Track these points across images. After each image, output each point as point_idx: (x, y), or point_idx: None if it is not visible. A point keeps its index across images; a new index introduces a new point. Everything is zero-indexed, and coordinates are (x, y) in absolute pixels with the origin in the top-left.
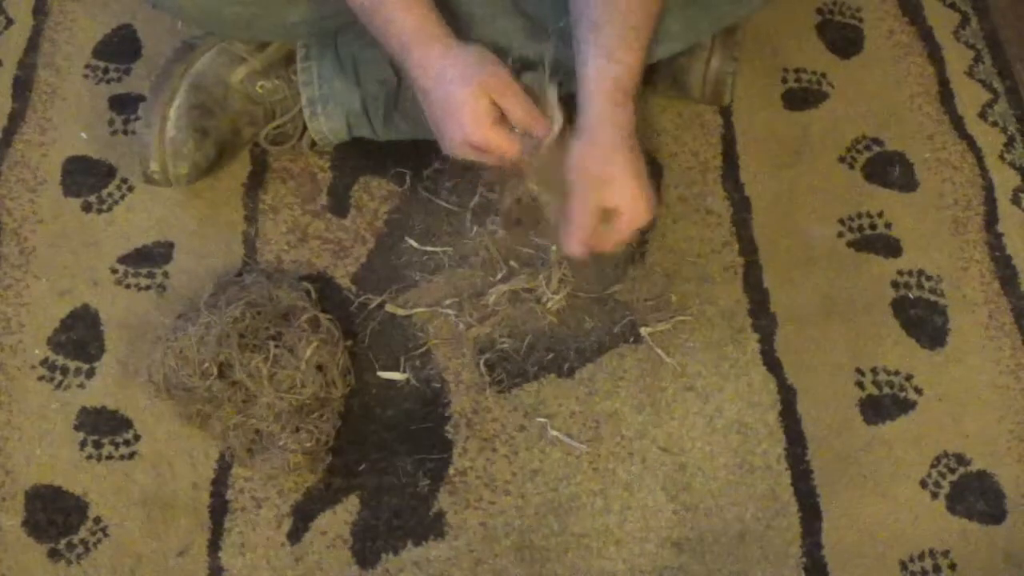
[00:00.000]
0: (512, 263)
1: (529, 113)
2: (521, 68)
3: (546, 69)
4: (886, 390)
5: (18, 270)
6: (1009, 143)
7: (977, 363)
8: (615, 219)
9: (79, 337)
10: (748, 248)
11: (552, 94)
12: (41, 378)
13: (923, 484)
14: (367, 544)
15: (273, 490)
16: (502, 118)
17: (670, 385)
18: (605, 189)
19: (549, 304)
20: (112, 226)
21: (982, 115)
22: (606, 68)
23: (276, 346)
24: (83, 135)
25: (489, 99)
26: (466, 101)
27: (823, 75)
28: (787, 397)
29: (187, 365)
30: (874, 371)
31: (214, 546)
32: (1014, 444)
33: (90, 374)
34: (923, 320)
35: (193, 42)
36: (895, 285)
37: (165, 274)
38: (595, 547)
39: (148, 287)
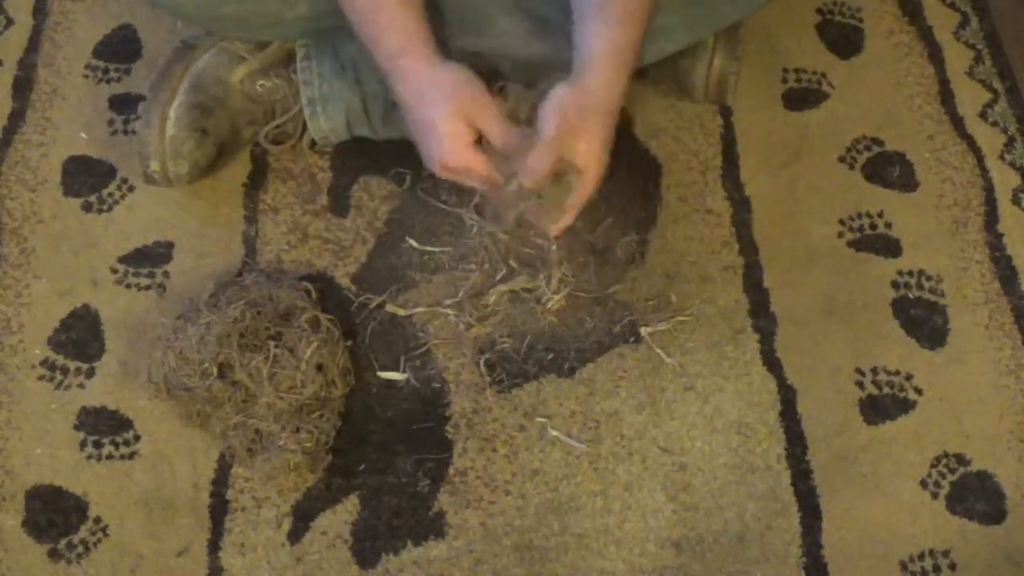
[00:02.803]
0: (512, 263)
1: (506, 133)
2: (505, 84)
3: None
4: (886, 390)
5: (18, 270)
6: (1009, 143)
7: (977, 363)
8: (574, 181)
9: (79, 337)
10: (748, 248)
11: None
12: (41, 378)
13: (923, 484)
14: (367, 544)
15: (273, 490)
16: (480, 140)
17: (670, 385)
18: (575, 142)
19: (549, 304)
20: (112, 226)
21: (982, 115)
22: (610, 35)
23: (276, 346)
24: (83, 135)
25: (465, 121)
26: (442, 123)
27: (823, 75)
28: (787, 397)
29: (187, 365)
30: (874, 371)
31: (214, 546)
32: (1014, 444)
33: (90, 374)
34: (923, 320)
35: (193, 42)
36: (895, 285)
37: (165, 274)
38: (595, 547)
39: (148, 287)
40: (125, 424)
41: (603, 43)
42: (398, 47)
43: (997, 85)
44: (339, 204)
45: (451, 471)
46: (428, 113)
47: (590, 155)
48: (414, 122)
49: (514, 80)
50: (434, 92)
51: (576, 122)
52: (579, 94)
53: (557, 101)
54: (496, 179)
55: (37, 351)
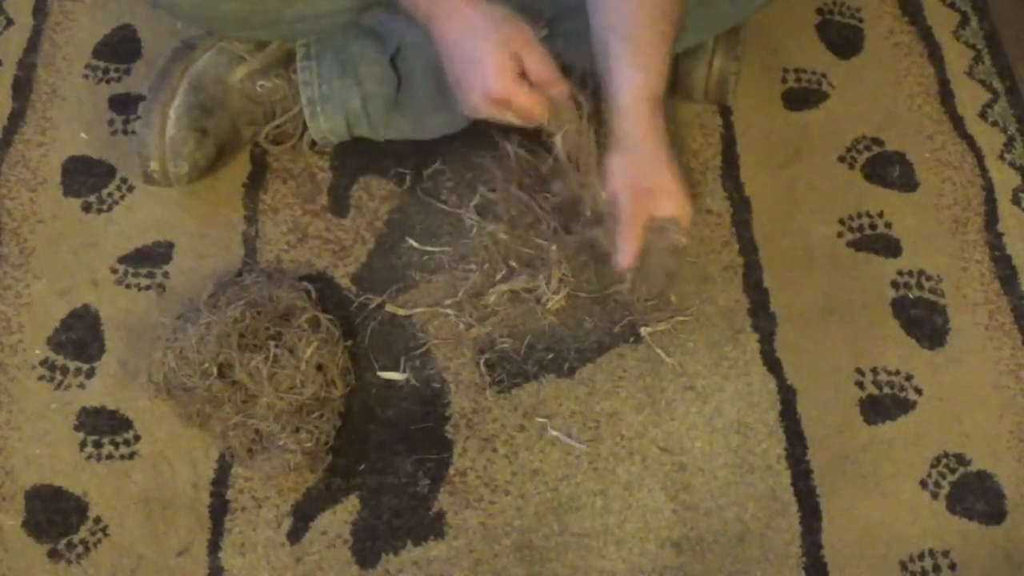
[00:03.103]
0: (512, 263)
1: (549, 70)
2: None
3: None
4: (886, 390)
5: (18, 270)
6: (1009, 143)
7: (977, 363)
8: (669, 226)
9: (79, 337)
10: (748, 248)
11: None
12: (41, 378)
13: (923, 484)
14: (367, 544)
15: (273, 490)
16: (524, 75)
17: (670, 385)
18: (655, 200)
19: (549, 304)
20: (112, 226)
21: (982, 115)
22: (643, 80)
23: (276, 346)
24: (83, 135)
25: (511, 53)
26: (489, 53)
27: (823, 75)
28: (787, 397)
29: (187, 365)
30: (874, 371)
31: (214, 546)
32: (1014, 444)
33: (90, 374)
34: (923, 320)
35: (193, 42)
36: (895, 285)
37: (165, 274)
38: (595, 547)
39: (148, 287)
40: (125, 424)
41: (639, 90)
42: None
43: (997, 85)
44: (339, 204)
45: (451, 471)
46: (472, 49)
47: (675, 201)
48: (455, 63)
49: None
50: (478, 28)
51: (646, 186)
52: (632, 158)
53: (619, 178)
54: (539, 113)
55: (37, 351)
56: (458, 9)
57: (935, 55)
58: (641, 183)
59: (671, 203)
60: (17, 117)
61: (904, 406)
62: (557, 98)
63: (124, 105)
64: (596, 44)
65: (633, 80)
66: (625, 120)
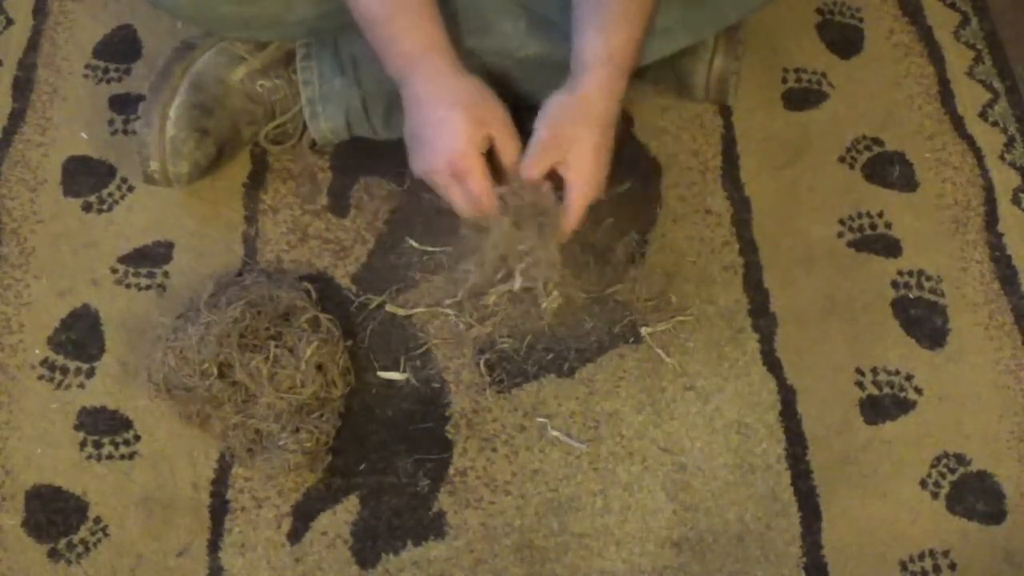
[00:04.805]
0: (512, 263)
1: (517, 151)
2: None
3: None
4: (886, 390)
5: (18, 270)
6: (1009, 143)
7: (977, 363)
8: (563, 193)
9: (79, 337)
10: (748, 248)
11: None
12: (41, 378)
13: (923, 484)
14: (367, 544)
15: (273, 490)
16: (488, 159)
17: (670, 385)
18: (566, 151)
19: (543, 305)
20: (112, 226)
21: (982, 115)
22: (604, 39)
23: (276, 346)
24: (83, 135)
25: (485, 132)
26: (460, 120)
27: (823, 75)
28: (787, 397)
29: (187, 365)
30: (874, 371)
31: (214, 546)
32: (1014, 444)
33: (90, 374)
34: (923, 320)
35: (193, 41)
36: (895, 285)
37: (165, 274)
38: (595, 547)
39: (148, 287)
40: (125, 424)
41: (597, 50)
42: (420, 50)
43: (997, 85)
44: (339, 204)
45: (451, 471)
46: (443, 113)
47: (580, 164)
48: (421, 121)
49: (517, 79)
50: (454, 96)
51: (568, 131)
52: (572, 103)
53: (550, 109)
54: (489, 195)
55: (37, 351)
56: (440, 73)
57: (935, 55)
58: (563, 127)
59: (576, 163)
60: (17, 117)
61: (904, 406)
62: (526, 176)
63: (124, 105)
64: (574, 14)
65: (594, 36)
66: (578, 71)
